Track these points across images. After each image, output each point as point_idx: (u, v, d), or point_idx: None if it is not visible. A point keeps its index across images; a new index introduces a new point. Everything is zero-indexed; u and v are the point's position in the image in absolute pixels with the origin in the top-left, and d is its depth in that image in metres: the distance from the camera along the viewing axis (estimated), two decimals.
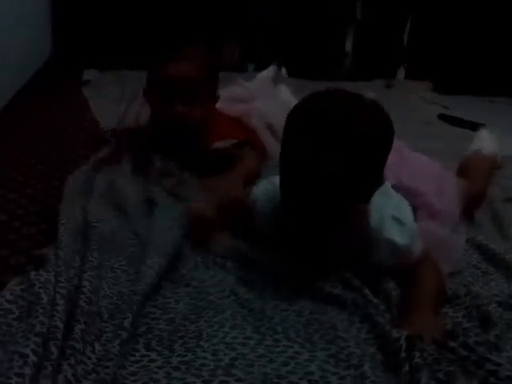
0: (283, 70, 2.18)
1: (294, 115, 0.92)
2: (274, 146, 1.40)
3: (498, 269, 1.04)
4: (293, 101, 1.63)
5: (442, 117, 2.11)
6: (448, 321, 0.87)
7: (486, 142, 1.43)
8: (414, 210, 1.03)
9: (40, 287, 0.82)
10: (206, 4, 2.55)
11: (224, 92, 1.42)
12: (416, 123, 1.91)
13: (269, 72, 2.01)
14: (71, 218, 1.03)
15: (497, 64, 2.62)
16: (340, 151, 0.85)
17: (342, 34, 2.59)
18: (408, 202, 1.01)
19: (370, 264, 0.96)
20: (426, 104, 2.29)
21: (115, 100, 1.89)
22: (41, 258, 0.93)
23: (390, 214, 0.95)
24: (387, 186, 1.00)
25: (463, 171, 1.32)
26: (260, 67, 2.24)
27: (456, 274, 1.01)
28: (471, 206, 1.22)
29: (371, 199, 0.94)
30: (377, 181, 0.93)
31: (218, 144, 1.35)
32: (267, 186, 1.04)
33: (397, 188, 1.03)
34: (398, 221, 0.95)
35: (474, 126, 2.08)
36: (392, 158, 0.94)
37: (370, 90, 0.95)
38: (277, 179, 0.96)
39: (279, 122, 1.48)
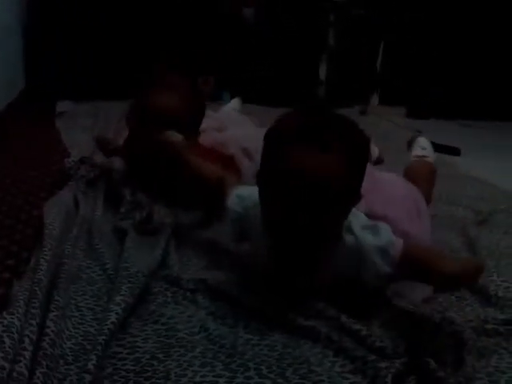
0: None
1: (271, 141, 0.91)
2: (251, 170, 1.40)
3: (473, 294, 1.03)
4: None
5: None
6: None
7: (423, 147, 1.50)
8: None
9: (3, 331, 0.79)
10: (183, 36, 2.56)
11: None
12: (389, 149, 1.92)
13: (233, 103, 2.06)
14: (47, 251, 1.00)
15: (470, 88, 2.67)
16: (320, 172, 0.84)
17: (316, 62, 2.62)
18: None
19: (365, 285, 0.94)
20: (398, 130, 2.31)
21: (88, 131, 1.88)
22: (5, 299, 0.89)
23: (358, 226, 0.94)
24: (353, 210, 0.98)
25: (409, 177, 1.33)
26: (235, 95, 2.26)
27: (431, 300, 0.99)
28: None
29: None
30: (355, 198, 0.92)
31: None
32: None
33: (369, 216, 1.02)
34: (367, 228, 0.94)
35: (448, 150, 2.11)
36: (364, 184, 0.93)
37: None
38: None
39: (252, 145, 1.51)
